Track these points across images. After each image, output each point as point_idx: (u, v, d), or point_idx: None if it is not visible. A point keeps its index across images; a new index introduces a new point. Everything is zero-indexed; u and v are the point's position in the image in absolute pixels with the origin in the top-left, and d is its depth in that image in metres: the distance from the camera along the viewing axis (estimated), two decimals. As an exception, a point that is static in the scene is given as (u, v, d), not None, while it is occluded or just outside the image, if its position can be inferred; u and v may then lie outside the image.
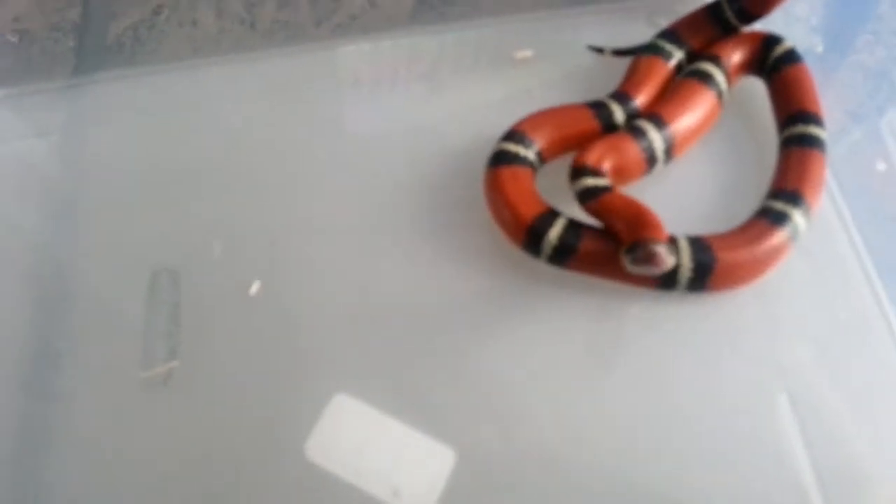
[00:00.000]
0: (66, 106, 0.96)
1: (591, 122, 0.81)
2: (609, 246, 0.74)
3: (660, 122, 0.80)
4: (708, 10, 0.87)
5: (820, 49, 0.88)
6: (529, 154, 0.80)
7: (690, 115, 0.81)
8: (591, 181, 0.75)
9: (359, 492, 0.69)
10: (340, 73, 0.96)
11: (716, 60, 0.83)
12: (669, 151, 0.80)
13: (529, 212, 0.76)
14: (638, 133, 0.79)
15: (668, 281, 0.73)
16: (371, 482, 0.70)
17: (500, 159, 0.79)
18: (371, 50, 0.97)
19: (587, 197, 0.75)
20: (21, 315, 0.81)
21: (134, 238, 0.84)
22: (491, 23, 0.98)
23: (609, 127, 0.81)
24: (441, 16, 0.97)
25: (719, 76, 0.82)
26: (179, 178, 0.88)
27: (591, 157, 0.77)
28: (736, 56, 0.84)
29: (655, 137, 0.79)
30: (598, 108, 0.82)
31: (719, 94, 0.82)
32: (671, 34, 0.87)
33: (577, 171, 0.77)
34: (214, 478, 0.72)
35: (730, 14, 0.85)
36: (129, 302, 0.80)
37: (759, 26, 0.86)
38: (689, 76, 0.83)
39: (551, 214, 0.76)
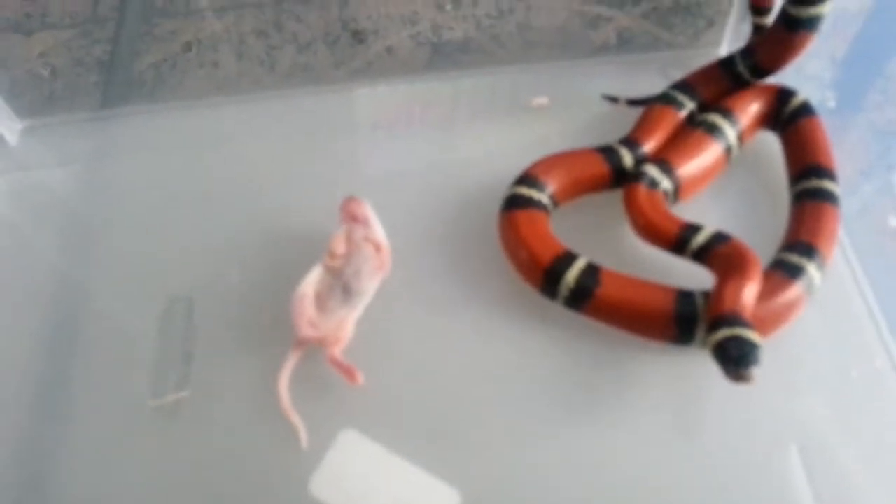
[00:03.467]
0: (90, 137, 0.98)
1: (601, 167, 0.83)
2: (627, 294, 0.74)
3: (666, 167, 0.81)
4: (721, 64, 0.89)
5: (832, 104, 0.90)
6: (543, 197, 0.81)
7: (694, 164, 0.82)
8: (700, 238, 0.75)
9: (364, 530, 0.68)
10: (358, 115, 0.98)
11: (727, 114, 0.84)
12: (674, 196, 0.81)
13: (546, 254, 0.76)
14: (645, 178, 0.80)
15: (685, 337, 0.73)
16: (376, 521, 0.69)
17: (515, 203, 0.80)
18: (388, 93, 0.99)
19: (704, 255, 0.75)
20: (36, 338, 0.82)
21: (150, 267, 0.85)
22: (507, 70, 1.00)
23: (618, 171, 0.83)
24: (456, 63, 0.99)
25: (729, 130, 0.83)
26: (197, 211, 0.89)
27: (667, 220, 0.77)
28: (750, 110, 0.85)
29: (662, 181, 0.80)
30: (608, 152, 0.83)
31: (727, 148, 0.83)
32: (684, 86, 0.89)
33: (679, 240, 0.76)
34: (218, 510, 0.71)
35: (742, 69, 0.87)
36: (142, 329, 0.80)
37: (771, 81, 0.88)
38: (698, 126, 0.84)
39: (569, 257, 0.76)
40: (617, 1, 0.94)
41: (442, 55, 0.98)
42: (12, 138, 0.98)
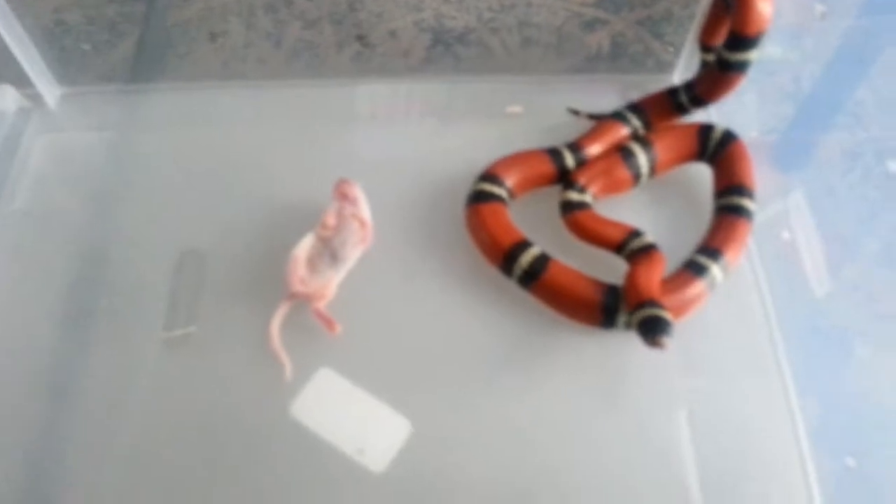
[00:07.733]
0: (122, 108, 1.07)
1: (547, 166, 0.93)
2: (566, 282, 0.84)
3: (579, 188, 0.91)
4: (668, 92, 0.98)
5: (754, 134, 0.99)
6: (502, 192, 0.91)
7: (601, 180, 0.93)
8: (636, 242, 0.85)
9: (332, 448, 0.79)
10: (358, 109, 1.06)
11: (646, 146, 0.93)
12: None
13: (507, 240, 0.87)
14: (574, 206, 0.91)
15: (608, 322, 0.83)
16: (342, 441, 0.79)
17: (479, 197, 0.91)
18: (385, 90, 1.07)
19: (632, 256, 0.85)
20: (61, 282, 0.91)
21: (167, 226, 0.94)
22: (493, 80, 1.07)
23: (561, 169, 0.93)
24: (455, 57, 1.04)
25: (642, 159, 0.93)
26: (212, 182, 0.97)
27: (608, 229, 0.88)
28: (670, 146, 0.94)
29: (584, 197, 0.92)
30: (554, 153, 0.93)
31: (636, 175, 0.93)
32: (635, 106, 0.98)
33: (623, 242, 0.86)
34: (214, 428, 0.81)
35: (684, 98, 0.96)
36: (158, 277, 0.89)
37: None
38: (620, 150, 0.93)
39: (526, 244, 0.86)
40: (613, 6, 0.99)
41: (442, 44, 1.02)
42: (52, 102, 1.06)
